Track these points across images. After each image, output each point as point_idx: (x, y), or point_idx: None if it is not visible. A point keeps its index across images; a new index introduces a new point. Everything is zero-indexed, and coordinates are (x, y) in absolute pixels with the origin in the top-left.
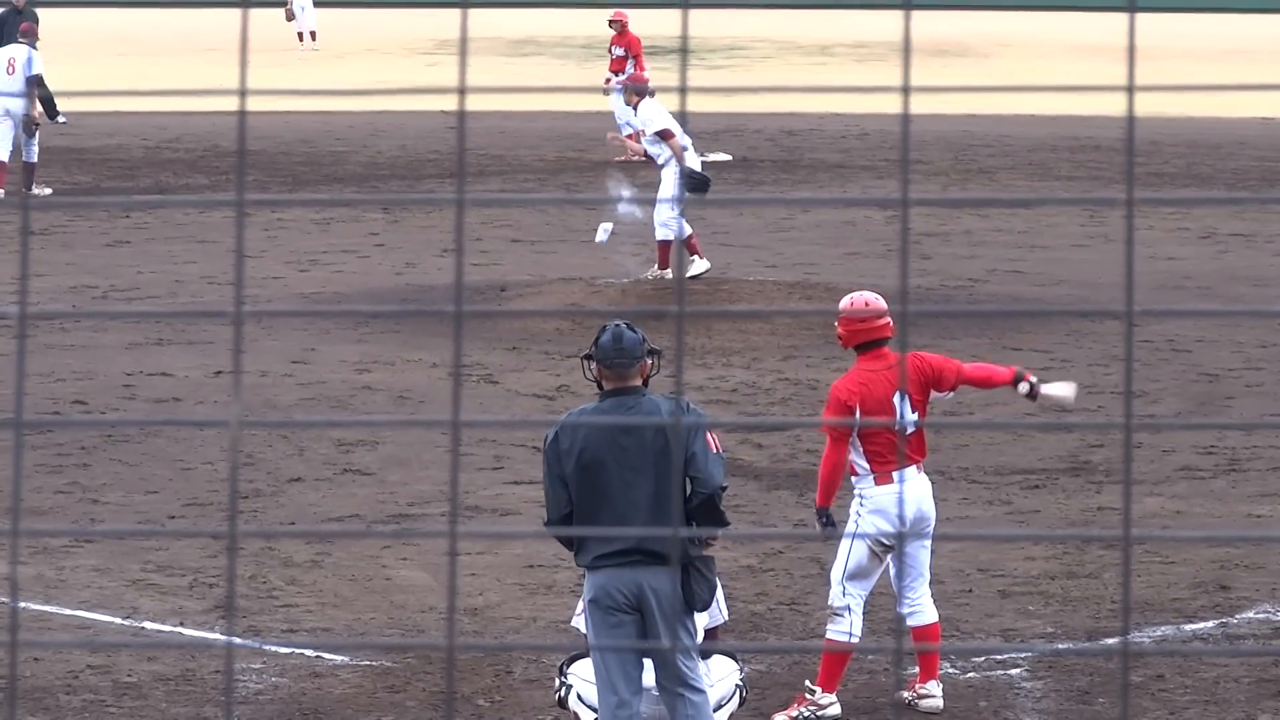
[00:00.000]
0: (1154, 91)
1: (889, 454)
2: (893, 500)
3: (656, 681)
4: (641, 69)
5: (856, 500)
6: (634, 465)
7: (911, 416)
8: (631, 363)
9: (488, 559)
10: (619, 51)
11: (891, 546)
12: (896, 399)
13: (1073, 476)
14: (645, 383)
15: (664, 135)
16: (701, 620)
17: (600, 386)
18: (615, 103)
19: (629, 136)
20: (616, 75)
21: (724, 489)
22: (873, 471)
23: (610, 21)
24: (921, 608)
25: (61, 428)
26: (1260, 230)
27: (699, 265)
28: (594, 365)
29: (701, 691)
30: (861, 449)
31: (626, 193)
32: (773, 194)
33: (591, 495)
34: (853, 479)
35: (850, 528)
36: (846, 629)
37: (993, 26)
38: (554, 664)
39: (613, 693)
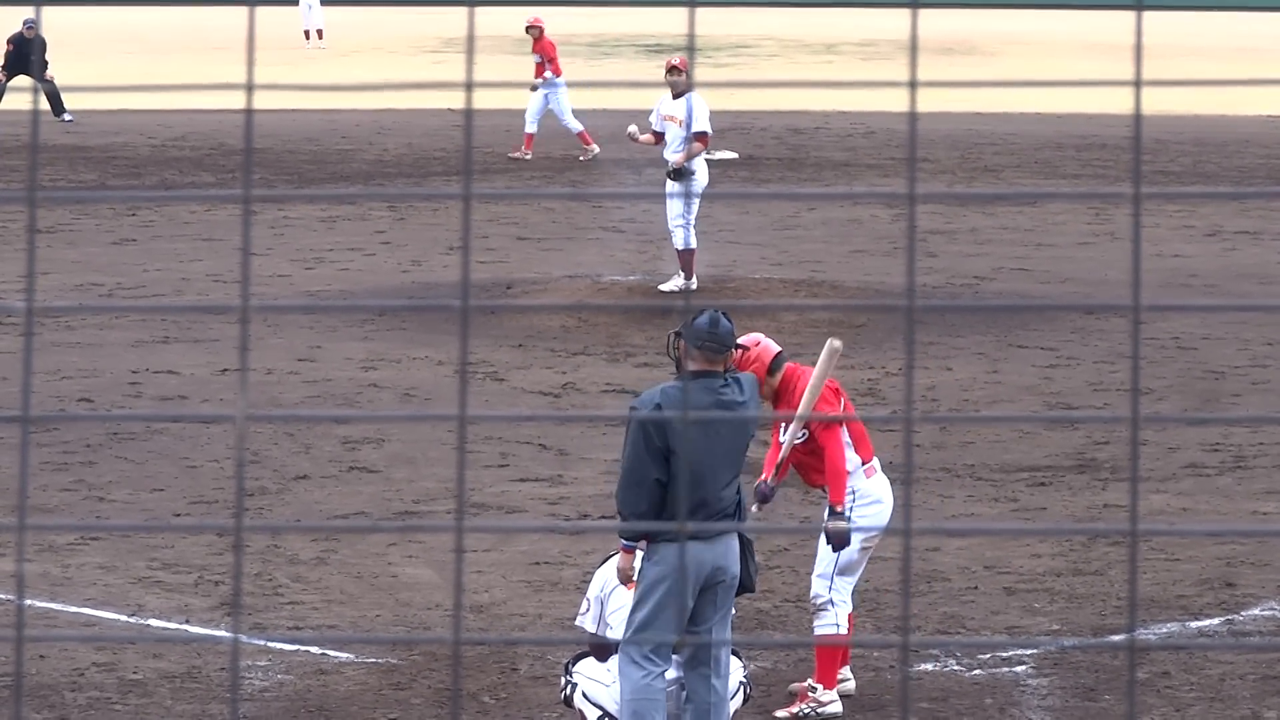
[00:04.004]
0: (1161, 86)
1: (866, 441)
2: (885, 489)
3: (686, 663)
4: (558, 71)
5: (849, 497)
6: (728, 445)
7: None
8: (722, 350)
9: (493, 556)
10: (535, 58)
11: (875, 536)
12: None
13: (1079, 474)
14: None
15: (700, 137)
16: None
17: (678, 367)
18: (529, 102)
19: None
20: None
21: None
22: (863, 463)
23: (527, 28)
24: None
25: (67, 424)
26: (1266, 228)
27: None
28: (680, 343)
29: (726, 683)
30: (850, 438)
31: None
32: (779, 189)
33: (683, 471)
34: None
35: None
36: (833, 621)
37: (999, 25)
38: (560, 661)
39: (651, 664)
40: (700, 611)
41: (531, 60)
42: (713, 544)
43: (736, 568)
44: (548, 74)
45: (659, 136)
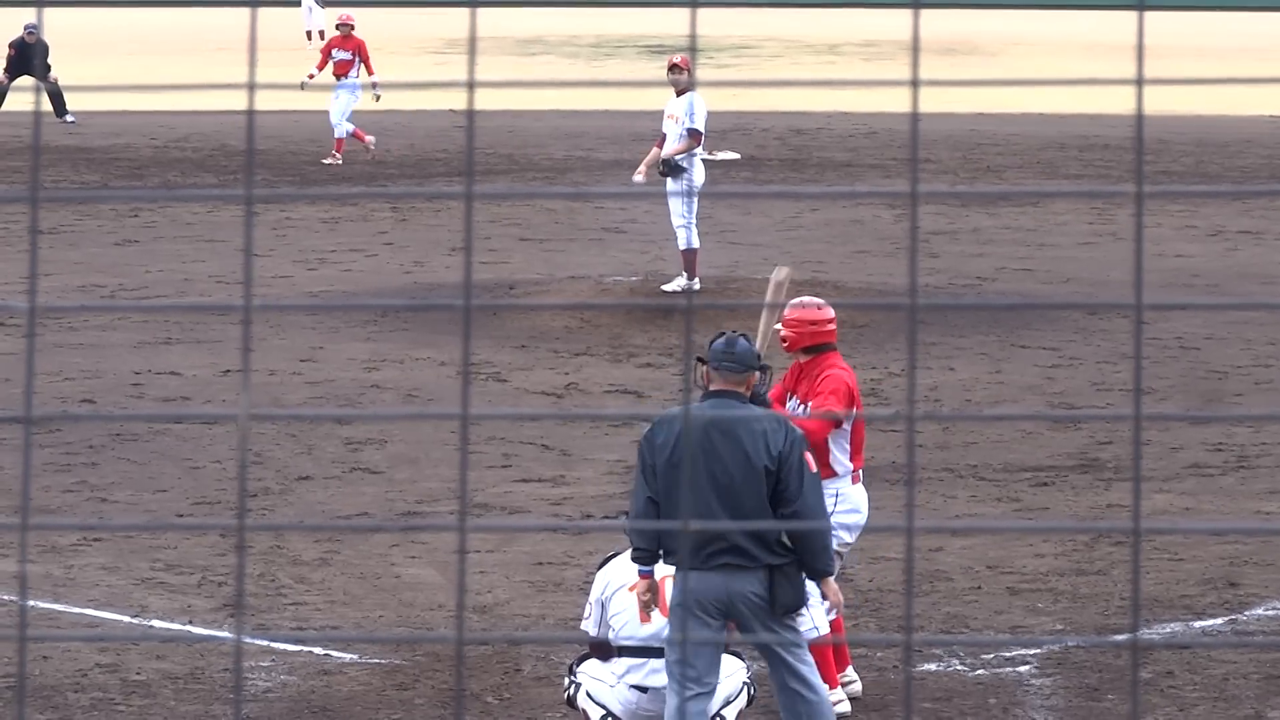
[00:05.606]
0: (1163, 85)
1: (860, 451)
2: (863, 499)
3: (774, 680)
4: (370, 71)
5: (831, 500)
6: (726, 468)
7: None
8: (739, 368)
9: (496, 557)
10: (345, 55)
11: (850, 544)
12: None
13: (1082, 474)
14: (752, 399)
15: (692, 134)
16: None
17: (705, 393)
18: (332, 103)
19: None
20: (340, 78)
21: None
22: (853, 469)
23: (338, 24)
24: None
25: (70, 425)
26: (1269, 228)
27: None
28: (704, 369)
29: (816, 689)
30: (848, 445)
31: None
32: (781, 188)
33: (679, 493)
34: (827, 483)
35: None
36: (810, 624)
37: (1001, 26)
38: (563, 662)
39: (692, 685)
40: (747, 632)
41: (336, 57)
42: (721, 573)
43: (755, 592)
44: (352, 73)
45: (664, 140)
